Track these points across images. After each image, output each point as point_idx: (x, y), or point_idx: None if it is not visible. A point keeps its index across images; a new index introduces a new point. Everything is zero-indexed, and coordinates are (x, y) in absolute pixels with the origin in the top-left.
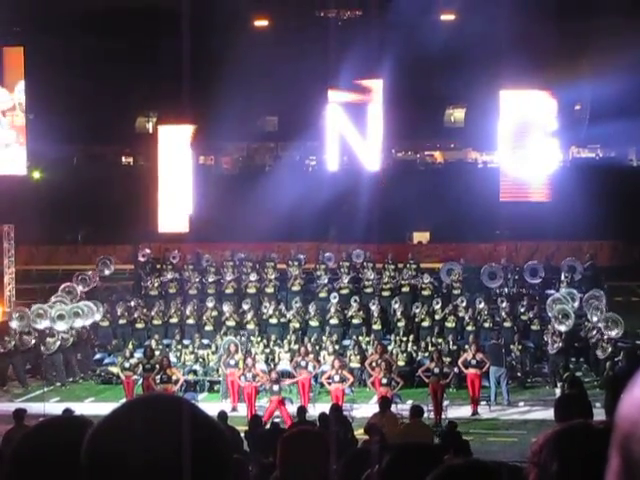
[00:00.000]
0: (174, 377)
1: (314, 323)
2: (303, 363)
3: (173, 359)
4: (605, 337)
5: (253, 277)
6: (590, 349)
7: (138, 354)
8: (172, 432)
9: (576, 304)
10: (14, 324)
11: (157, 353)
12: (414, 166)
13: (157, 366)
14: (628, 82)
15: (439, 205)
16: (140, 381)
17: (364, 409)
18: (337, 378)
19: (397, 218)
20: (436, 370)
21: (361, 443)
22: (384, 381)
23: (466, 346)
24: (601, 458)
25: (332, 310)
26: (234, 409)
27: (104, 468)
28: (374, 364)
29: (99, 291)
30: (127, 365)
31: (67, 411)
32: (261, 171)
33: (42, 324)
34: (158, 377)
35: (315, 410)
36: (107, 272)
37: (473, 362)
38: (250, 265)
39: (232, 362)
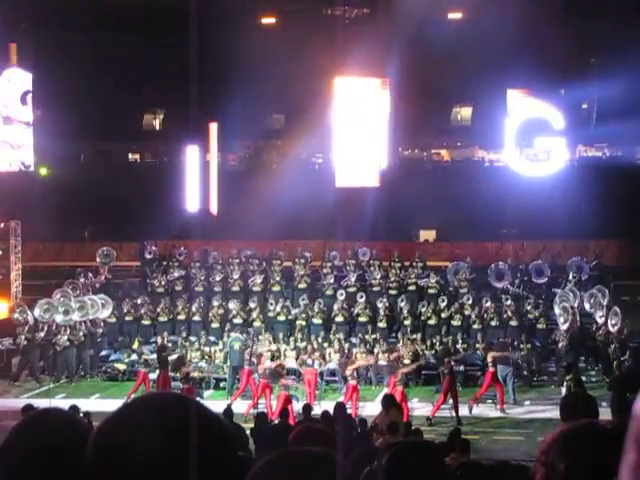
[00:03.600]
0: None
1: (317, 321)
2: (309, 361)
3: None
4: (611, 333)
5: (259, 275)
6: (600, 348)
7: (145, 351)
8: (178, 430)
9: (576, 303)
10: (15, 315)
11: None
12: (421, 164)
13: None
14: (635, 81)
15: (446, 203)
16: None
17: (370, 407)
18: (354, 374)
19: (403, 216)
20: (446, 371)
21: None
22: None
23: (477, 345)
24: (608, 457)
25: (336, 308)
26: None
27: (110, 465)
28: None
29: (106, 287)
30: (143, 360)
31: (73, 408)
32: (268, 169)
33: (49, 318)
34: (172, 374)
35: (321, 408)
36: (111, 263)
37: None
38: (256, 263)
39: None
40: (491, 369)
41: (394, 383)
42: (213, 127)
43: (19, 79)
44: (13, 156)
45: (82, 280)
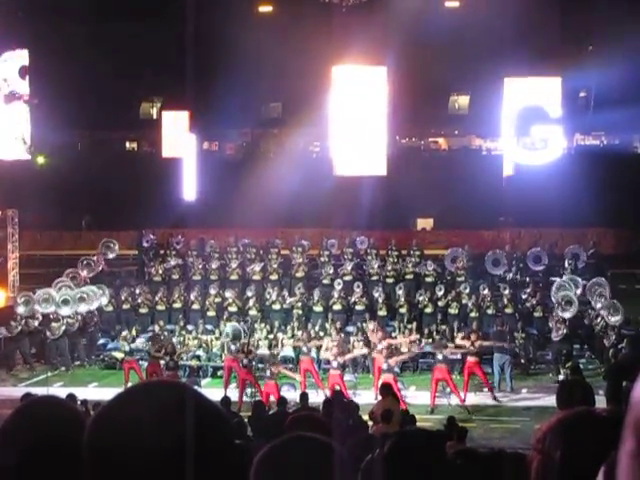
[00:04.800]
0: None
1: (318, 309)
2: (305, 349)
3: (176, 345)
4: (609, 324)
5: (257, 263)
6: (594, 336)
7: (141, 339)
8: (175, 418)
9: (579, 291)
10: (20, 309)
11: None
12: (418, 152)
13: (162, 352)
14: (633, 69)
15: (443, 192)
16: (144, 366)
17: (366, 395)
18: (335, 364)
19: (401, 204)
20: (440, 357)
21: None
22: (384, 367)
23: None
24: (605, 445)
25: (335, 296)
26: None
27: (107, 454)
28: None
29: (104, 276)
30: (128, 349)
31: (70, 397)
32: (265, 157)
33: (48, 309)
34: (163, 362)
35: (318, 396)
36: (111, 255)
37: (472, 350)
38: (254, 251)
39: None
40: (470, 359)
41: (380, 369)
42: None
43: (16, 55)
44: (15, 134)
45: (85, 272)
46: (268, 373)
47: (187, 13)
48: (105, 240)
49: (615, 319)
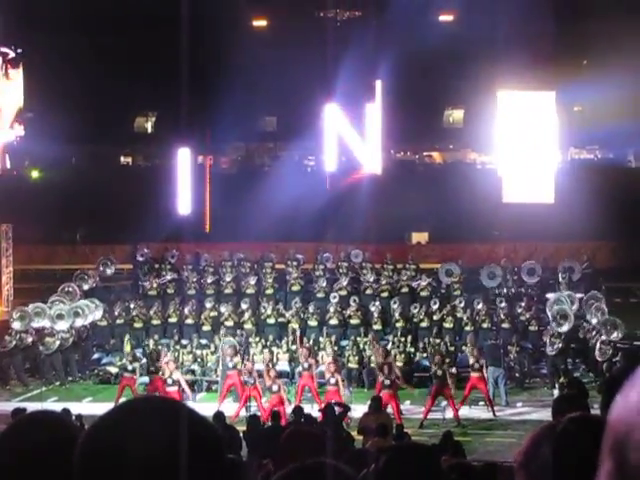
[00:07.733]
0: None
1: (313, 323)
2: (306, 365)
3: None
4: (604, 339)
5: (251, 277)
6: (589, 350)
7: (137, 354)
8: (168, 433)
9: (575, 307)
10: (16, 325)
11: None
12: (413, 167)
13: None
14: (627, 83)
15: (438, 206)
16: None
17: (361, 410)
18: (332, 381)
19: (396, 218)
20: (439, 372)
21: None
22: (387, 382)
23: (464, 347)
24: (586, 453)
25: (331, 310)
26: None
27: (98, 468)
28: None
29: (98, 290)
30: (130, 368)
31: (65, 412)
32: (260, 171)
33: (40, 323)
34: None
35: (313, 410)
36: (109, 272)
37: (476, 366)
38: (248, 265)
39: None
40: (474, 374)
41: (381, 385)
42: None
43: None
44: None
45: (79, 285)
46: (274, 388)
47: (181, 27)
48: (103, 258)
49: (614, 335)
